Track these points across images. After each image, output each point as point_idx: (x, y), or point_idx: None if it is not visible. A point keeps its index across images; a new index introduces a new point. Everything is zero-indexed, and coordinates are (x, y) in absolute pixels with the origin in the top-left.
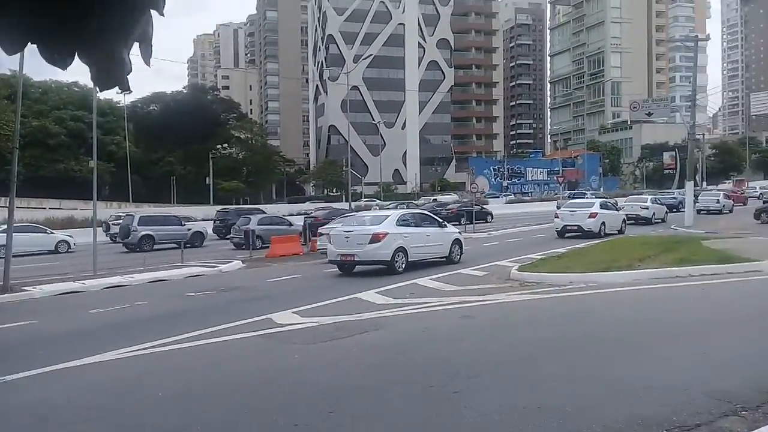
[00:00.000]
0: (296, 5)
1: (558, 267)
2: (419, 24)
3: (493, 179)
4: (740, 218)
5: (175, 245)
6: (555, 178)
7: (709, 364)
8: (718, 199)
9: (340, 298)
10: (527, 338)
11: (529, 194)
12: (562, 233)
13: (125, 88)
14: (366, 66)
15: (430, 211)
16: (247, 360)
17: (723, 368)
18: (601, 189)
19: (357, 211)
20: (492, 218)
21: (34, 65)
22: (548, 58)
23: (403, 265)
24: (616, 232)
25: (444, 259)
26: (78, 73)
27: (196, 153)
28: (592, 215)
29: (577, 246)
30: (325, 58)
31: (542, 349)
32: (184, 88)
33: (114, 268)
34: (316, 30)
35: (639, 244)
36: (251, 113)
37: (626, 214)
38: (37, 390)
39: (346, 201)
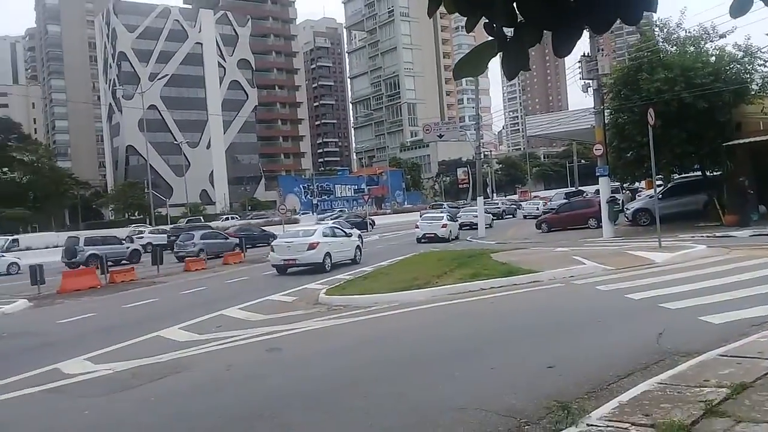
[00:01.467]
0: (81, 19)
1: (363, 288)
2: (218, 43)
3: (303, 197)
4: (525, 228)
5: (112, 263)
6: (361, 195)
7: (498, 379)
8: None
9: (139, 338)
10: (332, 368)
11: (345, 210)
12: (421, 239)
13: None
14: (163, 84)
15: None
16: (28, 423)
17: (510, 383)
18: (405, 203)
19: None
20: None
21: None
22: (348, 80)
23: (329, 266)
24: (456, 236)
25: (350, 261)
26: None
27: None
28: (444, 225)
29: (382, 264)
30: (118, 76)
31: (345, 378)
32: None
33: None
34: (105, 46)
35: (436, 260)
36: (35, 133)
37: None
38: None
39: (150, 224)
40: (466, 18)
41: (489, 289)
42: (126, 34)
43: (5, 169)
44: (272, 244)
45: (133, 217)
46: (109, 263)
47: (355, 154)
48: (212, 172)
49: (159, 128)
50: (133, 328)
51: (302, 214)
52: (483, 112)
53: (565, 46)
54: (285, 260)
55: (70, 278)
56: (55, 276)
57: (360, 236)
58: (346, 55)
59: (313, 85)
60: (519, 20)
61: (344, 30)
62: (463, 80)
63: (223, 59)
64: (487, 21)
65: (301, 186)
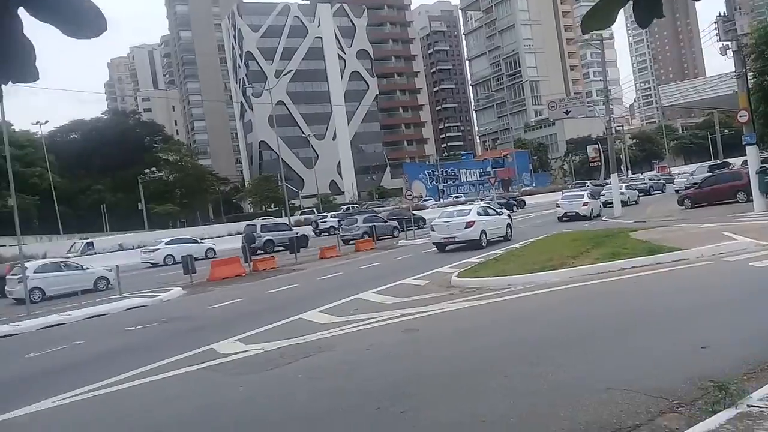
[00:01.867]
0: (209, 24)
1: (496, 270)
2: (336, 36)
3: (428, 183)
4: (666, 205)
5: (282, 248)
6: (487, 178)
7: (647, 360)
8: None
9: (284, 321)
10: (469, 348)
11: (462, 195)
12: (561, 218)
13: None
14: (289, 80)
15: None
16: (190, 397)
17: (660, 363)
18: (533, 185)
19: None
20: (425, 224)
21: None
22: (467, 62)
23: (485, 242)
24: (597, 215)
25: (502, 238)
26: None
27: (124, 179)
28: (585, 204)
29: (513, 246)
30: (246, 75)
31: (485, 358)
32: (103, 113)
33: (50, 306)
34: (233, 47)
35: (570, 240)
36: (177, 134)
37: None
38: None
39: (285, 216)
40: None
41: (630, 269)
42: (251, 34)
43: (153, 169)
44: (432, 224)
45: (270, 210)
46: (280, 248)
47: (478, 137)
48: (339, 162)
49: (287, 123)
50: (277, 312)
51: (425, 200)
52: (611, 85)
53: None
54: (445, 238)
55: (218, 267)
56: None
57: (509, 215)
58: (463, 36)
59: (432, 70)
60: None
61: (459, 11)
62: (588, 53)
63: (343, 51)
64: None
65: (425, 172)
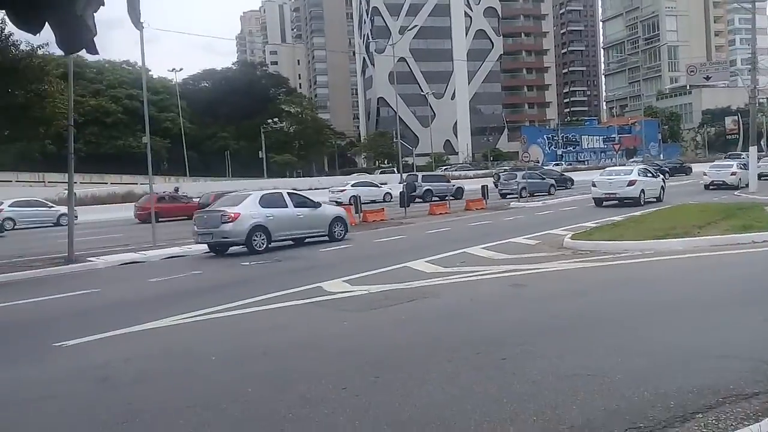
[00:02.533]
0: None
1: (613, 235)
2: None
3: (546, 148)
4: None
5: (437, 198)
6: (611, 145)
7: None
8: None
9: (390, 267)
10: (578, 306)
11: (585, 162)
12: (709, 186)
13: (92, 51)
14: (412, 37)
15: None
16: (296, 326)
17: None
18: (661, 156)
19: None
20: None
21: None
22: (600, 23)
23: (644, 201)
24: (746, 185)
25: (655, 199)
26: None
27: (248, 128)
28: (733, 173)
29: (633, 214)
30: (371, 31)
31: (592, 316)
32: (233, 64)
33: (173, 239)
34: (360, 3)
35: (698, 211)
36: (300, 87)
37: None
38: (97, 354)
39: (398, 172)
40: None
41: (761, 243)
42: None
43: (275, 119)
44: (594, 180)
45: (383, 166)
46: (436, 198)
47: (605, 103)
48: (456, 122)
49: (407, 80)
50: (384, 259)
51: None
52: (761, 54)
53: None
54: (606, 194)
55: None
56: None
57: (663, 179)
58: None
59: (562, 31)
60: None
61: None
62: (736, 18)
63: (470, 8)
64: None
65: (545, 136)
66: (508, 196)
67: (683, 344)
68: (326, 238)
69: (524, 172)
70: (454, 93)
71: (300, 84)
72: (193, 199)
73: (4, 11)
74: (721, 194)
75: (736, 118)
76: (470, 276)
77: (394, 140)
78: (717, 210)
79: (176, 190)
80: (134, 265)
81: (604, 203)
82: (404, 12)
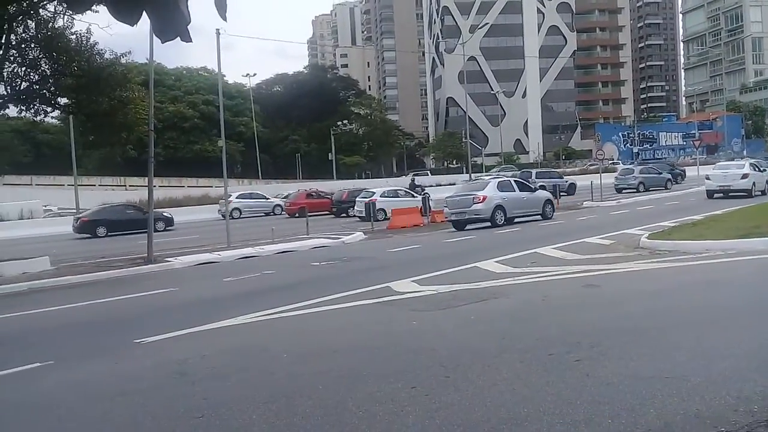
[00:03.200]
0: None
1: (692, 234)
2: None
3: (622, 145)
4: None
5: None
6: (691, 141)
7: None
8: None
9: (459, 267)
10: (654, 307)
11: (663, 160)
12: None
13: (186, 39)
14: (483, 35)
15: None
16: (367, 325)
17: None
18: (744, 152)
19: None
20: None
21: (167, 55)
22: (680, 15)
23: (753, 194)
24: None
25: (761, 193)
26: (206, 59)
27: (318, 130)
28: (745, 176)
29: (715, 213)
30: (441, 30)
31: (670, 318)
32: (305, 68)
33: (247, 240)
34: (430, 2)
35: None
36: (369, 89)
37: None
38: (175, 350)
39: (467, 172)
40: None
41: None
42: None
43: (345, 121)
44: (708, 174)
45: (452, 166)
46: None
47: (684, 98)
48: (527, 121)
49: (477, 79)
50: (453, 259)
51: (616, 163)
52: None
53: None
54: (720, 186)
55: (398, 216)
56: None
57: None
58: None
59: (639, 25)
60: None
61: None
62: None
63: (542, 4)
64: None
65: (620, 134)
66: (624, 191)
67: (767, 348)
68: (539, 217)
69: (642, 167)
70: (525, 91)
71: (369, 86)
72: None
73: (104, 5)
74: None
75: None
76: (541, 276)
77: (464, 140)
78: None
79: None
80: (210, 266)
81: (715, 195)
82: (475, 10)
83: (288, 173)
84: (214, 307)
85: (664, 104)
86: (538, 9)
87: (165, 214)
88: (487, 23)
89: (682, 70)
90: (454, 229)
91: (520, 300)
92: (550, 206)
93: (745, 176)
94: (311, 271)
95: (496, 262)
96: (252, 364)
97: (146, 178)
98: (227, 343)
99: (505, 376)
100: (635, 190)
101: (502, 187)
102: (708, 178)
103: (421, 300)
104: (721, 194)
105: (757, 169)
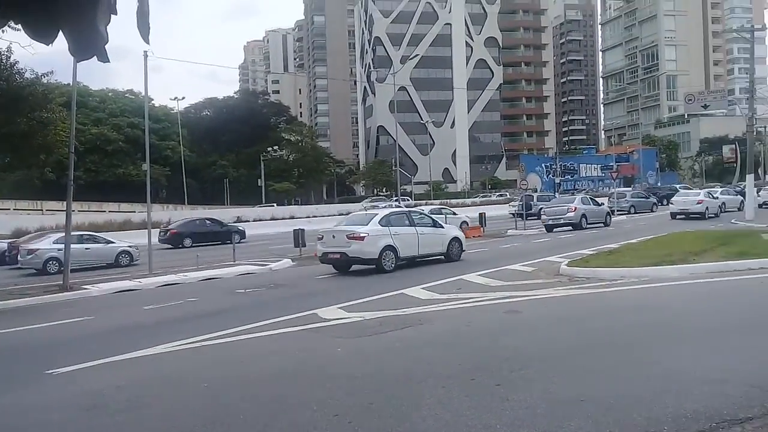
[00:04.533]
0: (343, 9)
1: (609, 261)
2: (466, 23)
3: (545, 176)
4: None
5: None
6: (609, 173)
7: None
8: None
9: (385, 294)
10: (573, 332)
11: (583, 191)
12: (675, 216)
13: (103, 59)
14: (413, 66)
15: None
16: (291, 353)
17: None
18: (658, 184)
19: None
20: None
21: (93, 76)
22: (600, 53)
23: (707, 216)
24: (715, 215)
25: (714, 215)
26: (133, 81)
27: (248, 156)
28: (700, 202)
29: (630, 241)
30: (373, 60)
31: (588, 342)
32: (235, 93)
33: (169, 267)
34: (363, 33)
35: (694, 238)
36: (301, 116)
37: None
38: (89, 381)
39: (396, 200)
40: None
41: (758, 269)
42: (381, 19)
43: (275, 147)
44: (671, 200)
45: (381, 194)
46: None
47: (603, 132)
48: (455, 150)
49: (407, 109)
50: (380, 286)
51: (541, 194)
52: (758, 84)
53: None
54: (681, 209)
55: None
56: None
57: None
58: (599, 26)
59: (561, 61)
60: None
61: (598, 0)
62: (735, 47)
63: (471, 38)
64: None
65: (543, 165)
66: (616, 213)
67: (680, 369)
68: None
69: (632, 191)
70: (453, 121)
71: (301, 113)
72: None
73: (18, 25)
74: (717, 222)
75: (733, 146)
76: (466, 303)
77: (394, 168)
78: (713, 237)
79: None
80: (129, 293)
81: (677, 216)
82: (406, 42)
83: (215, 199)
84: (132, 336)
85: (584, 137)
86: (467, 43)
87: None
88: (418, 55)
89: (602, 105)
90: None
91: (444, 326)
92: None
93: (699, 202)
94: (236, 298)
95: (423, 288)
96: (171, 394)
97: (64, 202)
98: (145, 373)
99: (428, 401)
100: (627, 212)
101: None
102: (671, 203)
103: (347, 327)
104: (683, 216)
105: (710, 196)
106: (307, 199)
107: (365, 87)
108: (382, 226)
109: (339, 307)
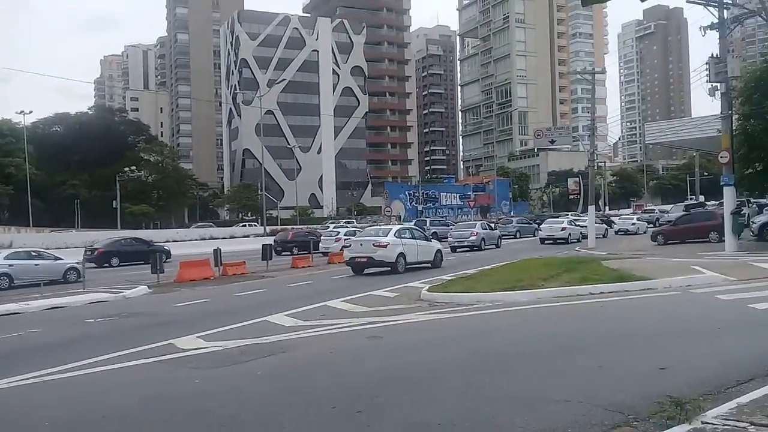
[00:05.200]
0: (208, 28)
1: (466, 287)
2: (333, 51)
3: (408, 204)
4: (639, 240)
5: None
6: (467, 202)
7: (605, 377)
8: (634, 221)
9: (248, 322)
10: (432, 356)
11: (444, 218)
12: (543, 241)
13: None
14: (281, 90)
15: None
16: (143, 386)
17: (618, 381)
18: (511, 213)
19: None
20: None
21: None
22: (459, 87)
23: (570, 241)
24: (577, 240)
25: (576, 240)
26: None
27: (102, 176)
28: (563, 229)
29: (485, 267)
30: (239, 82)
31: (446, 366)
32: (89, 109)
33: (9, 295)
34: (229, 54)
35: (543, 265)
36: (162, 136)
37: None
38: None
39: (262, 225)
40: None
41: (598, 294)
42: (248, 41)
43: (133, 168)
44: (542, 226)
45: (246, 218)
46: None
47: (462, 162)
48: (321, 176)
49: (274, 133)
50: (242, 313)
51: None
52: (598, 122)
53: None
54: (548, 235)
55: (187, 269)
56: None
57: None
58: (458, 62)
59: (423, 93)
60: None
61: (457, 38)
62: (579, 88)
63: (338, 66)
64: None
65: (406, 192)
66: (502, 237)
67: (527, 391)
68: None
69: (519, 218)
70: (320, 147)
71: (162, 132)
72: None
73: None
74: (563, 249)
75: (577, 179)
76: (329, 329)
77: (259, 192)
78: (559, 264)
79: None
80: None
81: (546, 242)
82: (273, 66)
83: (65, 221)
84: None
85: (445, 167)
86: (334, 70)
87: None
88: (285, 79)
89: (461, 137)
90: (246, 281)
91: (307, 353)
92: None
93: (563, 229)
94: (85, 328)
95: (287, 315)
96: None
97: None
98: None
99: (288, 431)
100: (514, 236)
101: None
102: (540, 230)
103: (207, 357)
104: (550, 241)
105: (573, 224)
106: (168, 223)
107: (231, 109)
108: (396, 237)
109: (198, 336)
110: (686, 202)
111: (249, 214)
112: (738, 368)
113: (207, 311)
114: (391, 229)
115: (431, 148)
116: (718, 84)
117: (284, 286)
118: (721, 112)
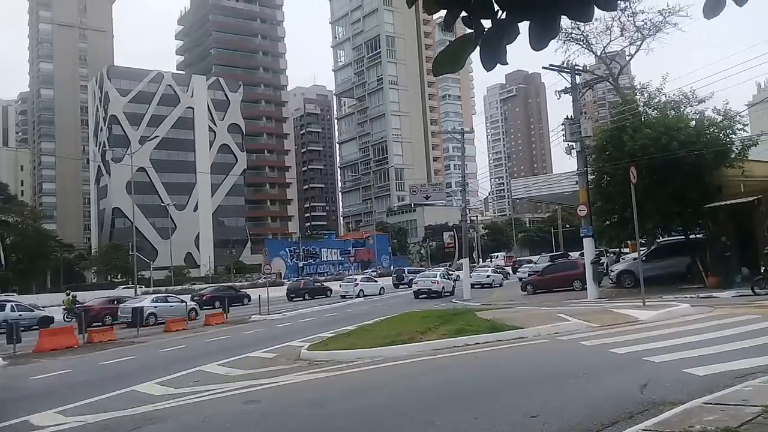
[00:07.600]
0: (75, 84)
1: (346, 344)
2: (209, 108)
3: (289, 260)
4: (511, 290)
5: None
6: (347, 257)
7: (480, 428)
8: (488, 274)
9: (115, 393)
10: (311, 418)
11: (324, 274)
12: (417, 294)
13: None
14: (154, 147)
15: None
16: None
17: (492, 430)
18: (391, 267)
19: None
20: (249, 300)
21: None
22: (337, 145)
23: (443, 294)
24: (450, 292)
25: (449, 293)
26: None
27: None
28: (435, 282)
29: (365, 323)
30: (108, 139)
31: (326, 426)
32: None
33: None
34: (97, 110)
35: (420, 318)
36: (22, 195)
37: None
38: None
39: (132, 287)
40: (445, 14)
41: (473, 345)
42: (119, 98)
43: None
44: (415, 279)
45: (116, 280)
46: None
47: (342, 218)
48: (198, 234)
49: (147, 191)
50: (108, 384)
51: (285, 277)
52: (469, 178)
53: (542, 37)
54: (421, 288)
55: (47, 337)
56: None
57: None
58: (335, 121)
59: (302, 150)
60: (497, 12)
61: (334, 97)
62: (450, 146)
63: (214, 123)
64: (465, 14)
65: (287, 249)
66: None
67: None
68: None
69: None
70: (196, 205)
71: (22, 191)
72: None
73: None
74: (440, 302)
75: (452, 233)
76: (203, 396)
77: (130, 253)
78: (436, 316)
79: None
80: None
81: (420, 296)
82: (146, 122)
83: None
84: None
85: (325, 223)
86: (210, 127)
87: None
88: (158, 136)
89: (340, 193)
90: (114, 347)
91: (178, 423)
92: (453, 286)
93: (435, 282)
94: None
95: (157, 383)
96: None
97: None
98: None
99: None
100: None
101: (443, 276)
102: (415, 283)
103: None
104: (424, 295)
105: (445, 277)
106: (27, 288)
107: (99, 166)
108: (441, 277)
109: (57, 412)
110: (551, 254)
111: (119, 276)
112: (603, 411)
113: (68, 383)
114: (439, 271)
115: (311, 204)
116: (574, 143)
117: (156, 352)
118: (578, 169)
